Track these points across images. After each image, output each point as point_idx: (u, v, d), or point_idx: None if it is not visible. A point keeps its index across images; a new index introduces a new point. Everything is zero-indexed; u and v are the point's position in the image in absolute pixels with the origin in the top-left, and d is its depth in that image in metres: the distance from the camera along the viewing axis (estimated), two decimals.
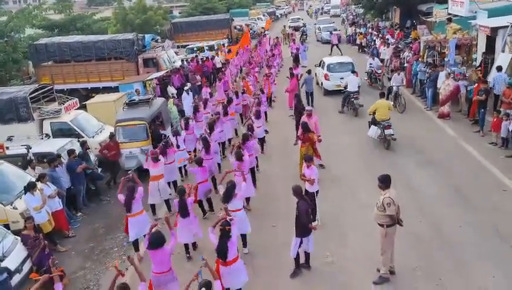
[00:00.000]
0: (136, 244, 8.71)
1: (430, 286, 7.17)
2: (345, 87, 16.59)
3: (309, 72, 17.84)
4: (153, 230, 6.74)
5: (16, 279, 7.50)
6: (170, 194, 10.40)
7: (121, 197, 8.38)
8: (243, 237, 8.32)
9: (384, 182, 7.03)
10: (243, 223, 8.08)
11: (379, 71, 19.45)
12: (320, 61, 20.09)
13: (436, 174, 10.98)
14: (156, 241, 6.55)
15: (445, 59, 16.94)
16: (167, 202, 10.27)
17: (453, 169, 11.16)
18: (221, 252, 6.48)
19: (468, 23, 17.69)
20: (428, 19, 24.61)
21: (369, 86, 19.61)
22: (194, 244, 8.76)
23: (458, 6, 19.61)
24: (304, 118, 11.63)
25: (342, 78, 17.36)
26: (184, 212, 8.14)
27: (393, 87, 16.39)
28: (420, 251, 8.04)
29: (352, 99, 16.19)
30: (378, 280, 7.30)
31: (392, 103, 14.86)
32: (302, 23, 45.12)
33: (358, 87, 16.78)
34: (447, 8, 21.58)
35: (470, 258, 7.73)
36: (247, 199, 9.84)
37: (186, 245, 8.54)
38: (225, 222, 6.62)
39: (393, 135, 12.53)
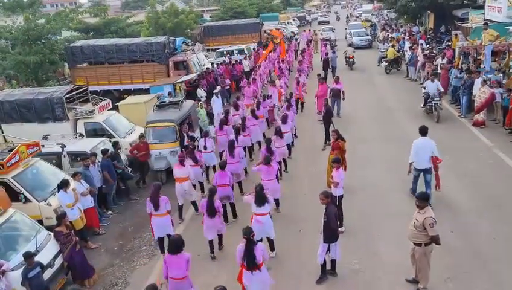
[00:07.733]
0: (161, 245, 8.85)
1: None
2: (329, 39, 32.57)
3: (334, 52, 24.47)
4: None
5: (47, 273, 7.71)
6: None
7: None
8: (270, 241, 8.36)
9: (424, 200, 6.75)
10: (268, 227, 8.14)
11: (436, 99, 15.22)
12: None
13: (470, 184, 10.66)
14: (175, 246, 6.65)
15: (481, 66, 16.46)
16: (194, 203, 10.37)
17: (488, 179, 10.81)
18: (249, 258, 6.49)
19: (505, 29, 17.14)
20: (463, 25, 23.98)
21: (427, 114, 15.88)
22: (221, 243, 8.85)
23: (495, 11, 19.06)
24: None
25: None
26: (211, 211, 8.29)
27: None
28: (452, 262, 7.80)
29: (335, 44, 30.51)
30: None
31: None
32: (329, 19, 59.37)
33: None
34: (483, 14, 20.99)
35: (504, 272, 7.46)
36: (277, 203, 9.83)
37: (210, 243, 8.62)
38: (247, 230, 6.62)
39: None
